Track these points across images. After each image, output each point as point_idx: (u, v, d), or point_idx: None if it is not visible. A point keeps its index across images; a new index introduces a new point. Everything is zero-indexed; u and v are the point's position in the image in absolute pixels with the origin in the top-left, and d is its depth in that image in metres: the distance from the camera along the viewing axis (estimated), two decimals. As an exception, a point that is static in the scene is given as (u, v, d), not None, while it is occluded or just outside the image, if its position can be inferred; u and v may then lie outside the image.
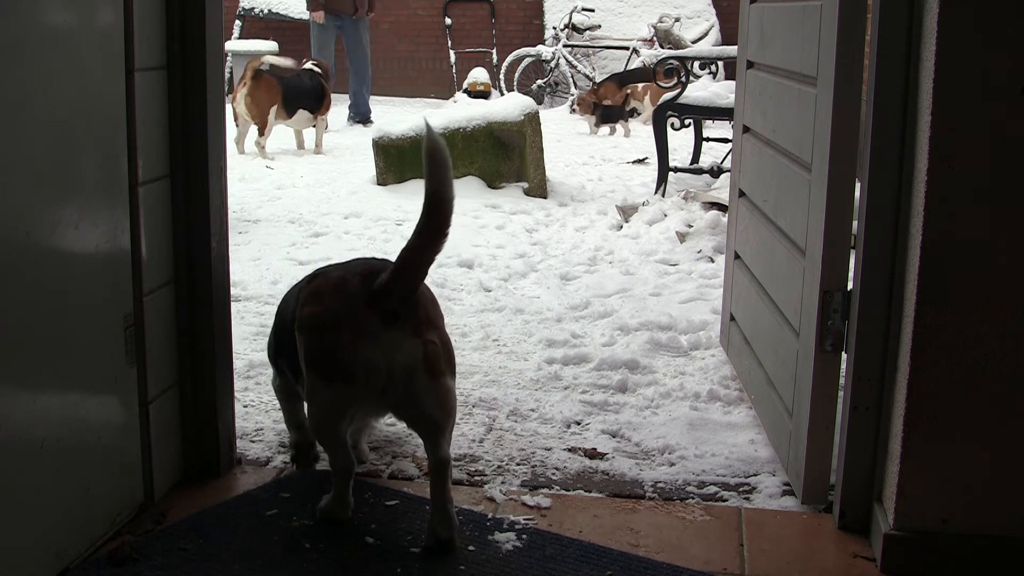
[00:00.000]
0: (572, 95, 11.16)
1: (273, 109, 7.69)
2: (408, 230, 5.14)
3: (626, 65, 11.41)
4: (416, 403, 2.12)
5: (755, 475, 2.56)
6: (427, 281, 4.24)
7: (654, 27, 11.60)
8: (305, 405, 2.39)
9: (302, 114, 7.96)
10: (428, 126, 2.12)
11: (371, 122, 9.75)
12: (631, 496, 2.45)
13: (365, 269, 2.19)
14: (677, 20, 11.62)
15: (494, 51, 12.40)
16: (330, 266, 2.37)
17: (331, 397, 2.14)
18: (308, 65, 8.25)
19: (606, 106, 10.00)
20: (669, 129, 6.40)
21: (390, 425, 2.79)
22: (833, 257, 2.24)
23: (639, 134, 9.47)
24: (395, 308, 2.10)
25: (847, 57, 2.18)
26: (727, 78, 7.92)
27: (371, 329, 2.09)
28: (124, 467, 2.23)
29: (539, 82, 11.75)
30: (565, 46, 11.68)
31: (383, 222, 5.36)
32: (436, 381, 2.12)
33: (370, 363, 2.09)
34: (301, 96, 7.89)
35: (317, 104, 8.03)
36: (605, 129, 9.88)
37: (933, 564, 2.10)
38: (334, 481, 2.26)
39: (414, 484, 2.48)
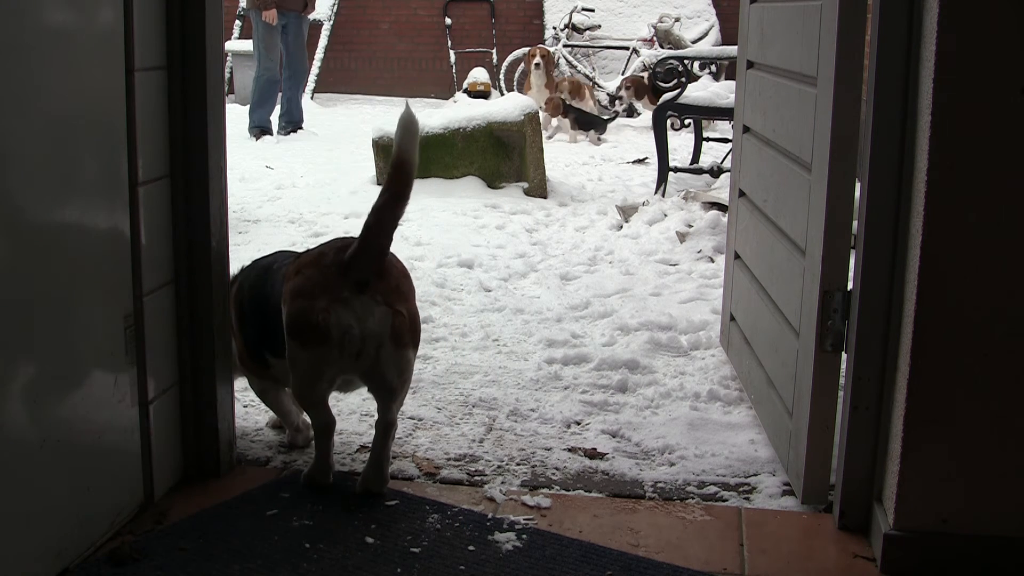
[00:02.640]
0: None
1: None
2: (408, 230, 5.19)
3: (626, 65, 11.40)
4: (380, 370, 2.31)
5: (755, 475, 2.56)
6: (427, 280, 4.28)
7: (654, 27, 11.57)
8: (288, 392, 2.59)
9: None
10: (407, 105, 2.31)
11: (302, 128, 8.89)
12: (631, 496, 2.45)
13: (340, 244, 2.37)
14: (677, 20, 11.60)
15: (494, 51, 12.39)
16: (311, 248, 2.52)
17: (310, 361, 2.30)
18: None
19: (581, 111, 9.33)
20: (669, 129, 6.40)
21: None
22: (833, 257, 2.24)
23: (639, 135, 9.41)
24: (366, 277, 2.27)
25: (847, 57, 2.18)
26: (727, 78, 7.93)
27: (344, 295, 2.26)
28: (124, 467, 2.23)
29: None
30: (565, 46, 11.66)
31: (383, 222, 5.35)
32: (399, 352, 2.31)
33: (344, 326, 2.24)
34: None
35: None
36: (580, 136, 9.13)
37: (933, 564, 2.10)
38: (315, 441, 2.43)
39: (414, 484, 2.48)
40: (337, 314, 2.24)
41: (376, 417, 2.40)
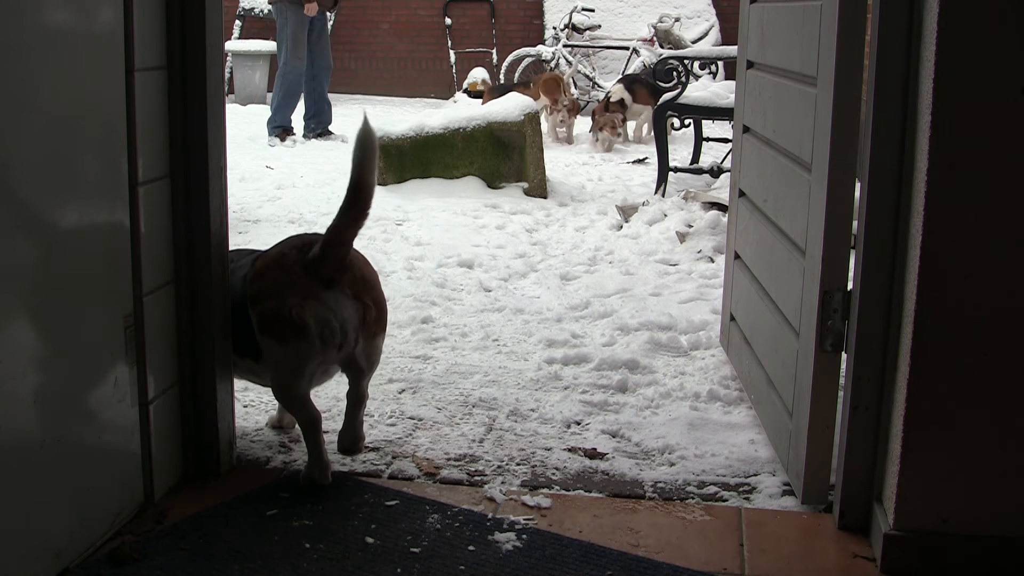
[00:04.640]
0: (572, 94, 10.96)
1: None
2: (408, 230, 5.19)
3: (626, 65, 11.39)
4: (354, 358, 2.43)
5: (755, 475, 2.56)
6: (427, 280, 4.28)
7: (654, 27, 11.56)
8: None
9: None
10: (365, 117, 2.32)
11: (331, 133, 8.56)
12: (631, 496, 2.45)
13: (300, 243, 2.43)
14: (677, 20, 11.59)
15: (494, 51, 12.40)
16: (267, 248, 2.56)
17: (289, 357, 2.35)
18: None
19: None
20: (669, 129, 6.41)
21: (391, 425, 2.79)
22: (833, 257, 2.24)
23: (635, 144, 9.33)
24: (331, 275, 2.33)
25: (847, 57, 2.18)
26: (727, 78, 7.92)
27: (314, 291, 2.31)
28: (124, 467, 2.23)
29: (539, 82, 11.74)
30: (565, 46, 11.66)
31: (383, 222, 5.36)
32: (368, 342, 2.42)
33: (322, 319, 2.30)
34: None
35: None
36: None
37: (933, 564, 2.10)
38: (305, 438, 2.46)
39: (414, 484, 2.48)
40: (312, 308, 2.30)
41: (347, 390, 2.50)
